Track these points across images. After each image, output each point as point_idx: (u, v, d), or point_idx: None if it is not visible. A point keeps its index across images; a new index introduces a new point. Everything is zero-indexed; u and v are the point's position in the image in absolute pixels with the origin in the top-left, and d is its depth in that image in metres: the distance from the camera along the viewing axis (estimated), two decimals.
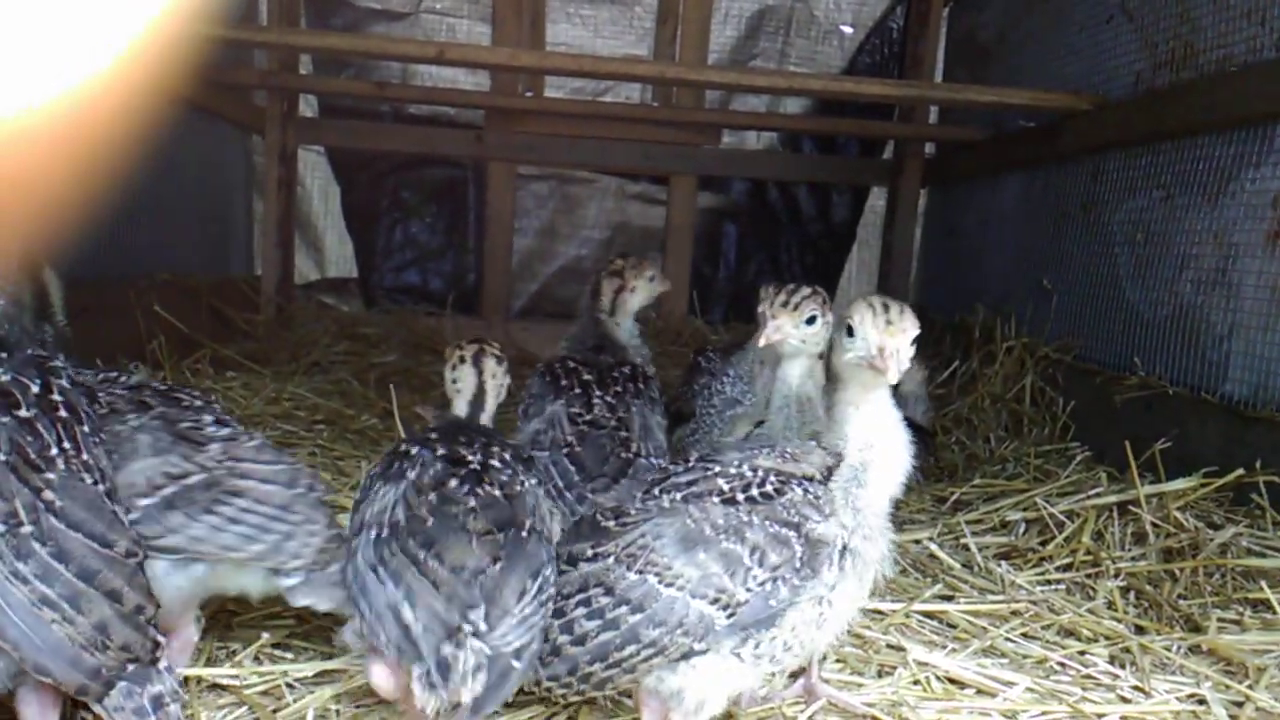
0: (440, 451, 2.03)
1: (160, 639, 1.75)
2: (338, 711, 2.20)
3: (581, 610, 1.83)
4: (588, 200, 7.54)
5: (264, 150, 6.72)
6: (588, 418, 2.95)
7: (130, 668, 1.70)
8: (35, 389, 1.85)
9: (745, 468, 1.90)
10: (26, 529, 1.66)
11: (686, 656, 1.82)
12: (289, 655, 2.46)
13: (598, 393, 3.03)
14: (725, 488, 1.85)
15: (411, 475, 1.97)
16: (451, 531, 1.83)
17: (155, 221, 5.27)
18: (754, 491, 1.83)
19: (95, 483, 1.81)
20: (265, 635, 2.50)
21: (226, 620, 2.58)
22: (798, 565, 1.79)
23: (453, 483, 1.94)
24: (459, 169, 7.38)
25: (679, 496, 1.88)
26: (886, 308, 1.88)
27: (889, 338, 1.84)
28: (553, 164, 7.27)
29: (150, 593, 1.78)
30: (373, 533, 1.90)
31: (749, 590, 1.77)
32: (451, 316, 6.94)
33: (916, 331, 1.87)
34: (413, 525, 1.85)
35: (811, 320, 2.26)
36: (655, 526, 1.84)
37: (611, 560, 1.84)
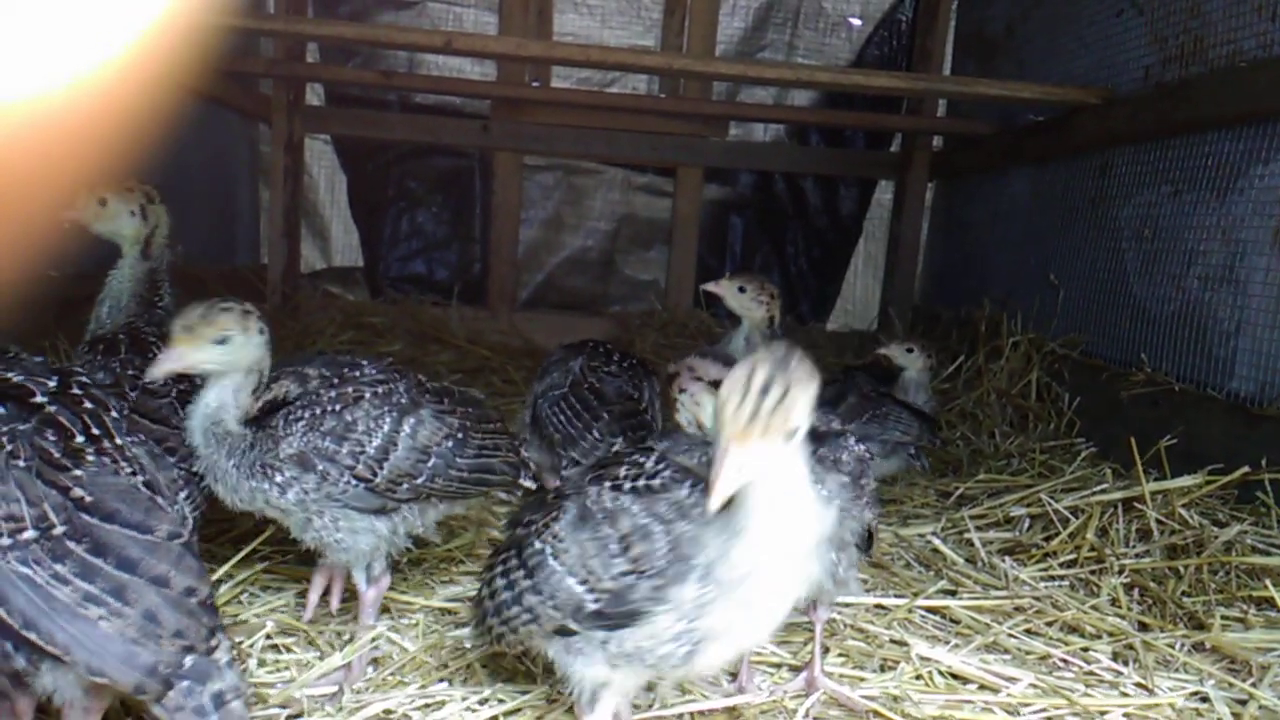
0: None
1: (218, 625, 1.69)
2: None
3: (500, 568, 2.00)
4: (594, 191, 7.53)
5: (270, 139, 6.72)
6: (607, 369, 3.29)
7: (188, 661, 1.64)
8: (52, 384, 1.83)
9: (653, 458, 1.84)
10: (59, 529, 1.62)
11: (564, 633, 1.85)
12: (290, 641, 2.49)
13: (617, 357, 3.38)
14: (621, 473, 1.84)
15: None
16: None
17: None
18: (641, 482, 1.80)
19: (134, 472, 1.77)
20: (270, 624, 2.52)
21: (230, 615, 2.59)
22: (661, 564, 1.69)
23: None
24: (465, 159, 7.37)
25: (590, 476, 1.92)
26: (763, 391, 1.48)
27: (734, 444, 1.48)
28: (559, 155, 7.26)
29: (203, 575, 1.72)
30: None
31: (612, 578, 1.74)
32: (457, 307, 6.95)
33: (798, 425, 1.52)
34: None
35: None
36: (567, 502, 1.90)
37: (533, 528, 1.94)
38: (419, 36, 5.36)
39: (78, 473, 1.69)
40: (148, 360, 2.64)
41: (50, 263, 3.07)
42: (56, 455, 1.69)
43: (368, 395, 2.36)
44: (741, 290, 3.55)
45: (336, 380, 2.36)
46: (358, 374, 2.41)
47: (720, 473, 1.48)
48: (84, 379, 1.93)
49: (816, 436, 2.30)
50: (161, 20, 1.36)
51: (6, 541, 1.59)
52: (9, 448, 1.65)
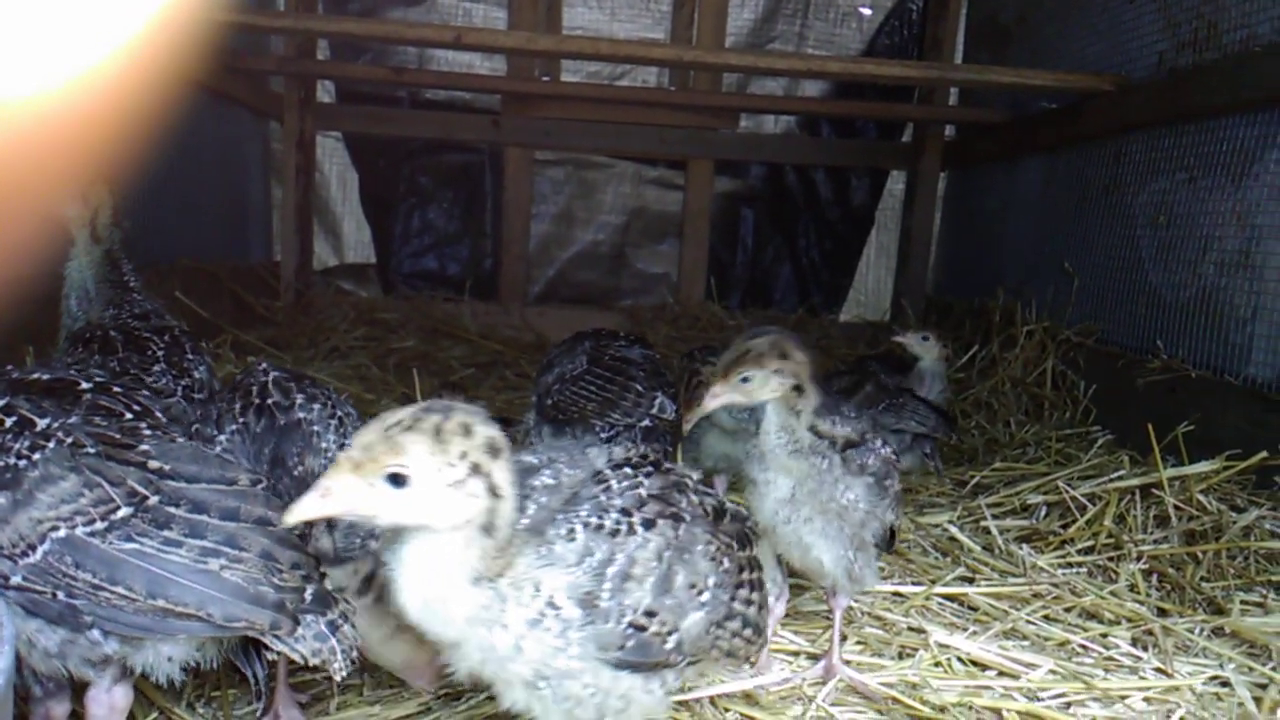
0: None
1: (316, 560, 1.76)
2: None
3: None
4: (604, 185, 7.53)
5: (282, 136, 6.73)
6: (618, 343, 3.33)
7: (309, 590, 1.70)
8: (80, 376, 1.86)
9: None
10: (153, 500, 1.66)
11: None
12: None
13: (622, 334, 3.45)
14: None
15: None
16: None
17: (175, 207, 5.29)
18: None
19: (188, 437, 1.82)
20: None
21: None
22: None
23: None
24: (476, 154, 7.39)
25: None
26: (391, 428, 1.43)
27: (335, 469, 1.43)
28: (569, 149, 7.27)
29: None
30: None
31: None
32: (469, 302, 6.96)
33: (405, 473, 1.41)
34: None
35: (747, 379, 2.23)
36: None
37: None
38: (429, 32, 5.38)
39: (144, 447, 1.73)
40: (146, 358, 2.65)
41: (62, 259, 3.09)
42: (117, 436, 1.72)
43: (338, 414, 2.27)
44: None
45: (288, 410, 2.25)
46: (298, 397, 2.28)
47: (307, 493, 1.42)
48: (100, 371, 1.95)
49: (849, 444, 2.32)
50: (164, 17, 1.36)
51: (101, 525, 1.63)
52: (69, 440, 1.68)
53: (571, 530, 1.54)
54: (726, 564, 1.73)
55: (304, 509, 1.41)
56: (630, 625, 1.55)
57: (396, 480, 1.39)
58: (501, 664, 1.53)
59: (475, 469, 1.41)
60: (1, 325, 2.66)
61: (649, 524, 1.61)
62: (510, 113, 6.95)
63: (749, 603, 1.79)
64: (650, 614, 1.58)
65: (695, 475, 1.86)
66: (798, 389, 2.25)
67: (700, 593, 1.66)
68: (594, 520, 1.56)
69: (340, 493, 1.40)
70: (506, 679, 1.57)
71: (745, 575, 1.79)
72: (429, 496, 1.40)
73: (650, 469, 1.73)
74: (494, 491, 1.44)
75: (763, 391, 2.24)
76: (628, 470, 1.69)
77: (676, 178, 7.41)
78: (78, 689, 1.80)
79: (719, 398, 2.26)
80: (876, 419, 3.58)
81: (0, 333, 2.98)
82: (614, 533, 1.57)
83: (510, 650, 1.51)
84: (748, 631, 1.78)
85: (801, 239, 7.72)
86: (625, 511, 1.60)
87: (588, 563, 1.53)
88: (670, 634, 1.61)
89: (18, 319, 3.07)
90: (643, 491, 1.65)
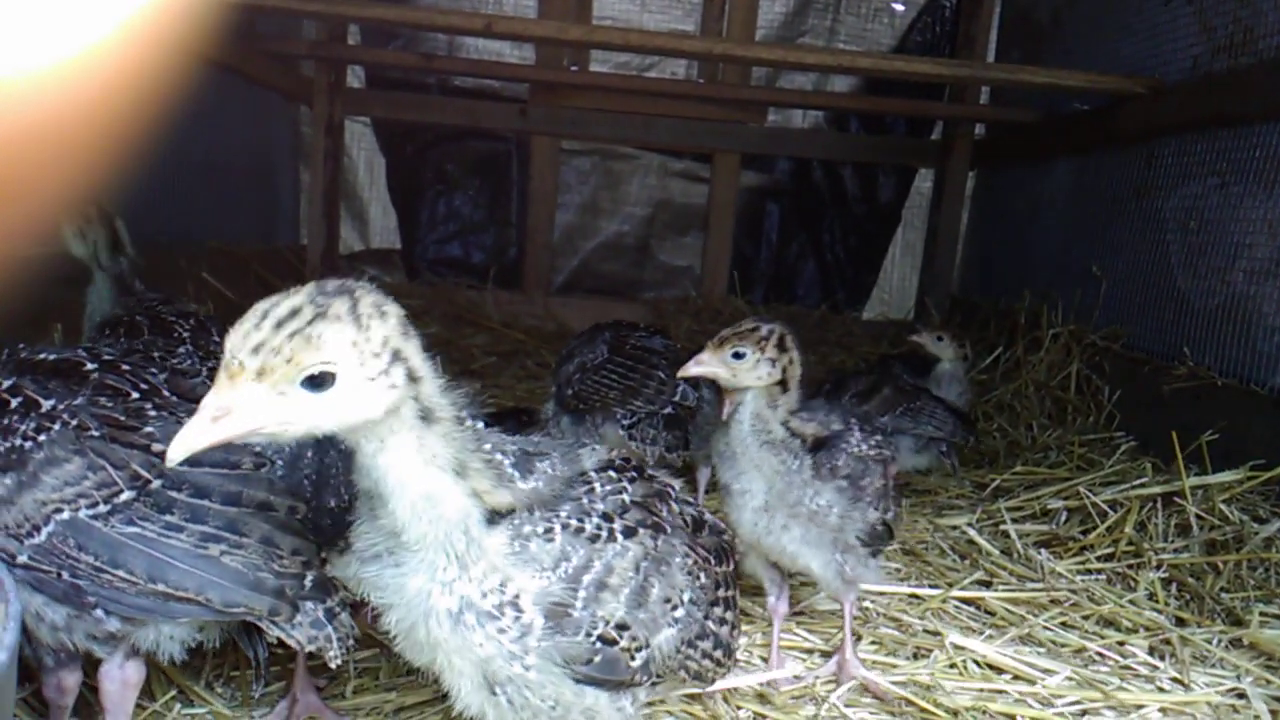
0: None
1: (317, 546, 1.77)
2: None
3: None
4: (630, 176, 7.52)
5: (311, 121, 6.76)
6: (638, 333, 3.39)
7: (309, 577, 1.71)
8: (86, 356, 1.87)
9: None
10: (155, 484, 1.67)
11: None
12: None
13: (641, 325, 3.54)
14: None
15: None
16: None
17: (204, 189, 5.32)
18: None
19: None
20: None
21: None
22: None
23: None
24: (503, 142, 7.39)
25: None
26: (285, 319, 1.23)
27: (221, 384, 1.23)
28: (596, 139, 7.26)
29: (297, 494, 1.77)
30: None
31: None
32: (493, 290, 6.98)
33: (324, 369, 1.22)
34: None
35: (739, 355, 2.18)
36: None
37: None
38: (459, 19, 5.38)
39: (149, 429, 1.73)
40: (172, 340, 2.68)
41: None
42: (122, 418, 1.73)
43: None
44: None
45: None
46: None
47: (191, 421, 1.19)
48: (109, 348, 1.97)
49: (816, 444, 2.28)
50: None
51: (104, 508, 1.64)
52: (74, 422, 1.70)
53: (550, 530, 1.44)
54: (703, 579, 1.67)
55: (192, 440, 1.18)
56: (600, 639, 1.46)
57: (317, 382, 1.19)
58: (433, 644, 1.41)
59: (396, 355, 1.25)
60: (30, 304, 2.71)
61: (629, 532, 1.53)
62: (538, 102, 6.95)
63: (723, 622, 1.73)
64: (622, 628, 1.49)
65: (678, 484, 1.80)
66: (782, 385, 2.23)
67: (675, 608, 1.59)
68: (574, 523, 1.47)
69: (244, 409, 1.17)
70: (450, 670, 1.46)
71: (721, 592, 1.74)
72: (351, 395, 1.21)
73: (634, 474, 1.64)
74: (411, 376, 1.28)
75: (748, 376, 2.19)
76: (612, 474, 1.59)
77: (702, 170, 7.38)
78: (91, 661, 1.82)
79: (704, 365, 2.22)
80: (894, 424, 3.58)
81: (29, 311, 3.02)
82: (594, 538, 1.47)
83: (447, 619, 1.38)
84: (718, 653, 1.71)
85: (827, 235, 7.69)
86: (607, 516, 1.51)
87: (563, 568, 1.43)
88: (640, 650, 1.52)
89: (46, 297, 3.12)
90: (626, 498, 1.57)
